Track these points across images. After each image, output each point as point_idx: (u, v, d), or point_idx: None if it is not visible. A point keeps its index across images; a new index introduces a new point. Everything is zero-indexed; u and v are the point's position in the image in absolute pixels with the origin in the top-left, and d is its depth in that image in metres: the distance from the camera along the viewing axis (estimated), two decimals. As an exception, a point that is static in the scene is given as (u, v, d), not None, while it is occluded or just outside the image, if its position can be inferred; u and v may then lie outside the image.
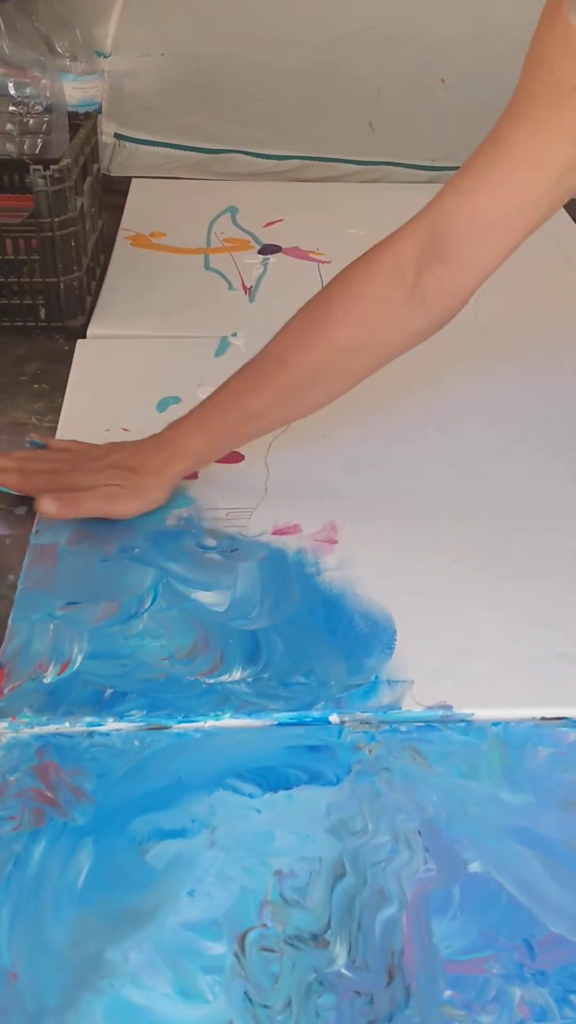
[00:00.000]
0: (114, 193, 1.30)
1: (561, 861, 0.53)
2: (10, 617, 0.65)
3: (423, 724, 0.60)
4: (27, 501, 0.76)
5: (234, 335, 1.01)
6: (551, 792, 0.56)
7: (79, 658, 0.62)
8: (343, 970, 0.47)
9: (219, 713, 0.59)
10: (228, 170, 1.39)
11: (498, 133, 0.67)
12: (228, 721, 0.59)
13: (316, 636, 0.66)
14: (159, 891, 0.50)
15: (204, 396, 0.89)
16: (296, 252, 1.19)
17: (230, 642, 0.65)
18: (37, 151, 1.14)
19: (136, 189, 1.35)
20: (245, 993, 0.46)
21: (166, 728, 0.59)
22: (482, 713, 0.61)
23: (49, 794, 0.54)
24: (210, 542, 0.74)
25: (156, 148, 1.37)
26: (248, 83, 1.33)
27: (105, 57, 1.28)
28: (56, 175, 0.92)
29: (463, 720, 0.60)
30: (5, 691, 0.60)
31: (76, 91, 1.22)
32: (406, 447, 0.86)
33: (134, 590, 0.68)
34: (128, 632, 0.65)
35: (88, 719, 0.58)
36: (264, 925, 0.49)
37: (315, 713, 0.60)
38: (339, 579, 0.70)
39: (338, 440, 0.86)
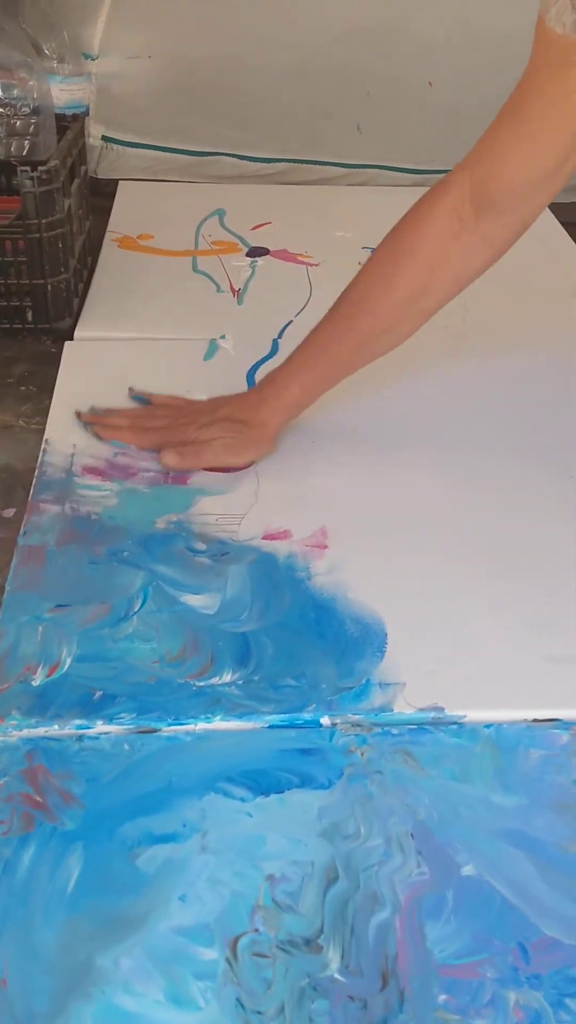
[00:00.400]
0: (101, 195, 1.30)
1: (554, 863, 0.53)
2: (-2, 619, 0.64)
3: (415, 726, 0.60)
4: (14, 502, 0.75)
5: (222, 337, 1.01)
6: (543, 794, 0.56)
7: (68, 660, 0.62)
8: (336, 975, 0.47)
9: (209, 715, 0.59)
10: (216, 173, 1.39)
11: (521, 101, 0.71)
12: (219, 724, 0.59)
13: (307, 639, 0.65)
14: (150, 896, 0.50)
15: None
16: (284, 255, 1.19)
17: (220, 644, 0.64)
18: (24, 153, 1.13)
19: (123, 191, 1.34)
20: (237, 999, 0.46)
21: (156, 731, 0.58)
22: (474, 715, 0.60)
23: (38, 798, 0.54)
24: (200, 546, 0.73)
25: (143, 150, 1.36)
26: (236, 86, 1.33)
27: (92, 59, 1.28)
28: (44, 176, 0.92)
29: (455, 722, 0.60)
30: (-7, 694, 0.59)
31: (63, 93, 1.21)
32: (396, 451, 0.85)
33: (124, 592, 0.68)
34: (118, 635, 0.64)
35: (77, 722, 0.58)
36: (256, 930, 0.48)
37: (306, 715, 0.60)
38: (330, 583, 0.70)
39: (328, 445, 0.85)
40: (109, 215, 1.27)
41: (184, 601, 0.68)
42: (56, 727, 0.57)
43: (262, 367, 0.96)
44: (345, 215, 1.29)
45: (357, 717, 0.60)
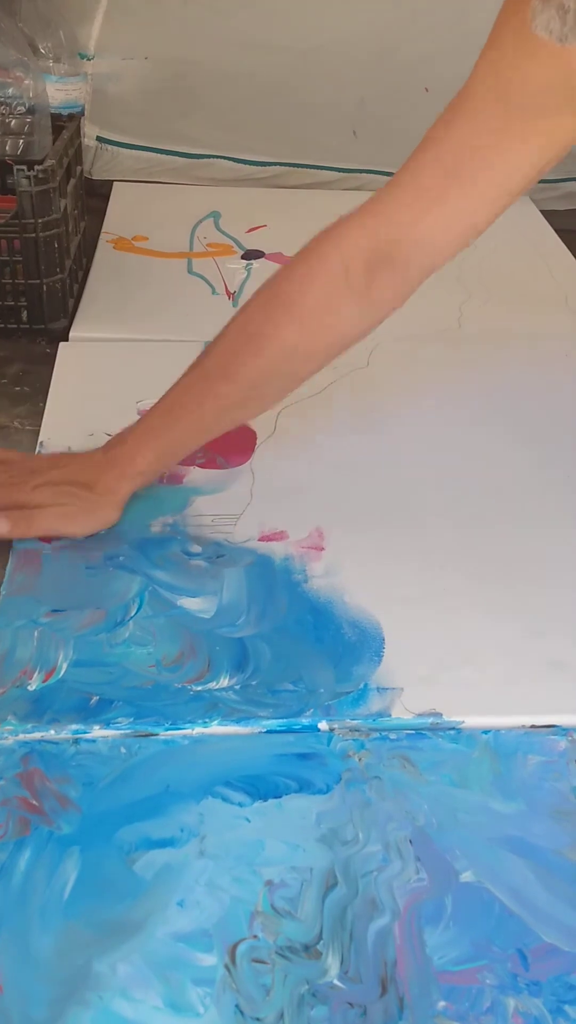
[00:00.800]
0: (95, 196, 1.29)
1: (553, 870, 0.53)
2: (-7, 622, 0.64)
3: (413, 732, 0.59)
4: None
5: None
6: (542, 800, 0.56)
7: (64, 665, 0.61)
8: (336, 981, 0.47)
9: (207, 720, 0.59)
10: (210, 175, 1.39)
11: (443, 148, 0.65)
12: (216, 728, 0.58)
13: (304, 644, 0.65)
14: (148, 901, 0.49)
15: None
16: (279, 258, 1.19)
17: (217, 649, 0.64)
18: (19, 152, 1.13)
19: (118, 193, 1.34)
20: (236, 1006, 0.45)
21: (153, 735, 0.58)
22: (472, 721, 0.60)
23: (34, 802, 0.53)
24: (196, 548, 0.73)
25: (138, 152, 1.36)
26: (232, 88, 1.32)
27: (88, 59, 1.27)
28: (40, 175, 0.91)
29: (453, 728, 0.60)
30: (-11, 698, 0.58)
31: (59, 93, 1.21)
32: (391, 454, 0.85)
33: (120, 598, 0.67)
34: (114, 640, 0.64)
35: (74, 726, 0.57)
36: (255, 936, 0.48)
37: (304, 720, 0.59)
38: (326, 586, 0.70)
39: (323, 446, 0.85)
40: (103, 216, 1.27)
41: (181, 605, 0.67)
42: (52, 732, 0.57)
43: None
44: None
45: (355, 722, 0.59)
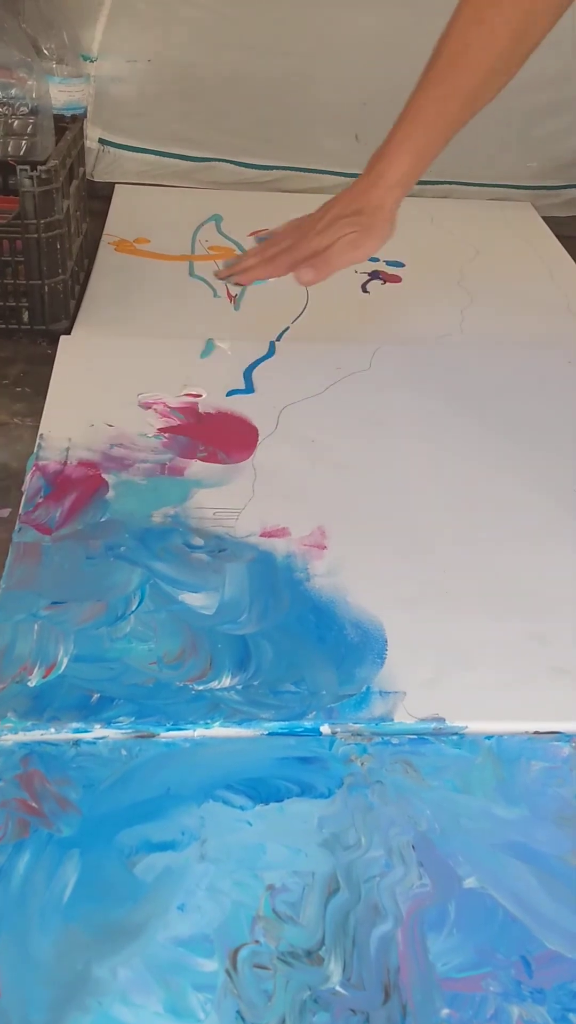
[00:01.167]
0: (97, 199, 1.29)
1: (557, 877, 0.52)
2: (-7, 619, 0.63)
3: (415, 736, 0.59)
4: (9, 502, 0.74)
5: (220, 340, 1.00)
6: (545, 806, 0.56)
7: (65, 661, 0.61)
8: (338, 988, 0.46)
9: (209, 721, 0.58)
10: (212, 179, 1.38)
11: None
12: (218, 730, 0.58)
13: (306, 643, 0.64)
14: (148, 905, 0.49)
15: (190, 395, 0.89)
16: (281, 261, 1.18)
17: (219, 647, 0.63)
18: (22, 153, 1.13)
19: (119, 195, 1.34)
20: (238, 1012, 0.45)
21: (154, 736, 0.57)
22: (475, 726, 0.60)
23: (34, 804, 0.53)
24: (197, 541, 0.72)
25: (140, 154, 1.35)
26: (234, 92, 1.32)
27: (91, 61, 1.27)
28: (43, 176, 0.91)
29: (456, 733, 0.59)
30: (-12, 696, 0.58)
31: (61, 94, 1.21)
32: (393, 456, 0.85)
33: (121, 590, 0.67)
34: (115, 634, 0.63)
35: (74, 725, 0.57)
36: (257, 941, 0.48)
37: (307, 723, 0.59)
38: (329, 586, 0.69)
39: (325, 446, 0.85)
40: (105, 218, 1.26)
41: (182, 600, 0.67)
42: (53, 730, 0.56)
43: (259, 366, 0.96)
44: (342, 223, 1.28)
45: (358, 726, 0.59)
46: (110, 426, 0.83)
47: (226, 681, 0.61)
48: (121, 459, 0.80)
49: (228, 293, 1.11)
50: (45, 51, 1.20)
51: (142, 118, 1.33)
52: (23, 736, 0.56)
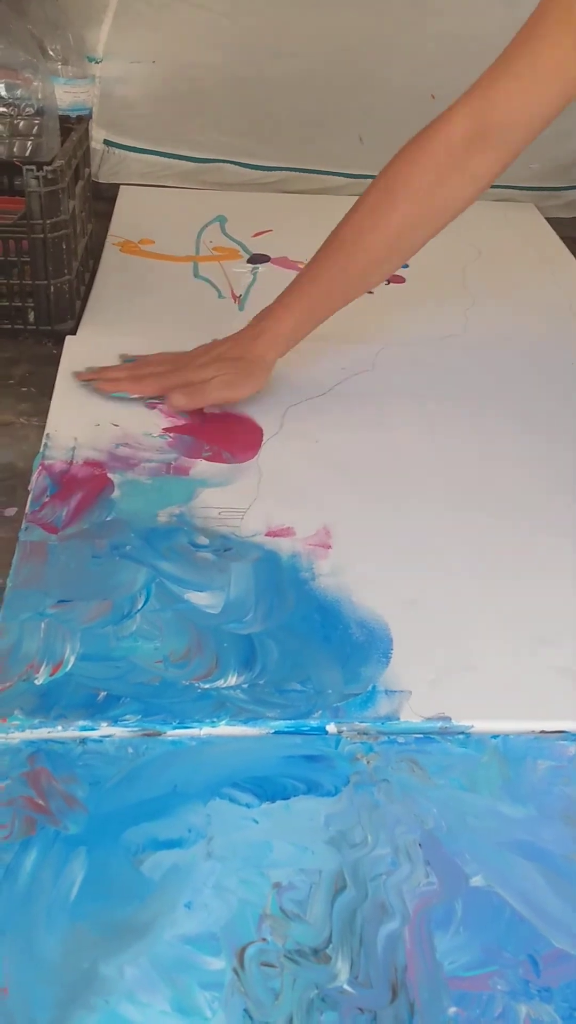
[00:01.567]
0: (101, 200, 1.29)
1: (563, 876, 0.52)
2: (0, 616, 0.63)
3: (421, 736, 0.59)
4: (15, 501, 0.75)
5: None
6: (552, 805, 0.56)
7: (71, 659, 0.61)
8: (345, 986, 0.46)
9: (215, 720, 0.58)
10: (216, 180, 1.39)
11: (531, 34, 0.77)
12: (224, 729, 0.58)
13: (311, 643, 0.64)
14: (155, 903, 0.48)
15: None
16: (285, 262, 1.19)
17: (225, 646, 0.63)
18: (27, 153, 1.13)
19: (124, 196, 1.34)
20: (245, 1010, 0.45)
21: (160, 735, 0.57)
22: (481, 725, 0.60)
23: (40, 802, 0.52)
24: (203, 540, 0.72)
25: (145, 156, 1.36)
26: (239, 93, 1.32)
27: (97, 62, 1.27)
28: (49, 176, 0.91)
29: (461, 732, 0.59)
30: (-5, 694, 0.58)
31: (67, 95, 1.21)
32: (397, 456, 0.85)
33: (126, 589, 0.67)
34: (121, 633, 0.63)
35: (81, 723, 0.57)
36: (264, 939, 0.47)
37: (312, 722, 0.59)
38: (333, 585, 0.69)
39: (329, 446, 0.85)
40: (109, 219, 1.27)
41: (188, 599, 0.67)
42: (60, 728, 0.56)
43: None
44: (346, 225, 1.29)
45: (364, 725, 0.59)
46: (115, 426, 0.83)
47: (232, 680, 0.61)
48: (127, 459, 0.80)
49: (232, 294, 1.11)
50: (51, 52, 1.20)
51: (146, 119, 1.33)
52: (30, 734, 0.56)
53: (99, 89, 1.30)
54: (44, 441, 0.81)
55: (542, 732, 0.60)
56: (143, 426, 0.84)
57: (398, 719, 0.59)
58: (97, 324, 1.02)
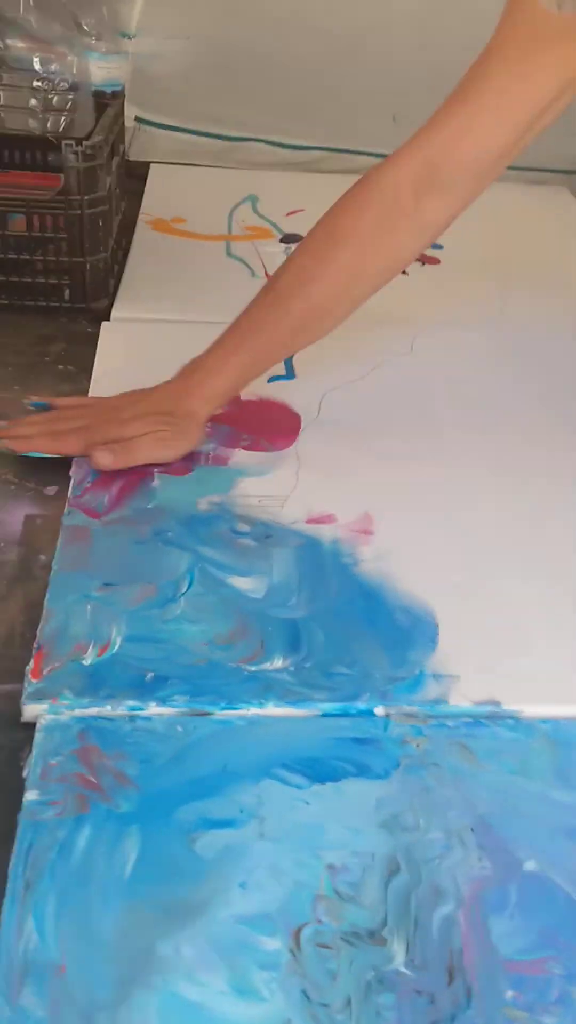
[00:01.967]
0: (132, 178, 1.28)
1: (616, 862, 0.52)
2: (46, 597, 0.63)
3: (470, 720, 0.59)
4: (56, 480, 0.74)
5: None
6: (603, 791, 0.55)
7: (118, 641, 0.60)
8: (402, 968, 0.46)
9: (263, 701, 0.58)
10: (247, 159, 1.38)
11: (482, 76, 0.72)
12: (272, 710, 0.58)
13: (357, 627, 0.64)
14: (210, 883, 0.48)
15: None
16: (319, 243, 1.17)
17: (269, 629, 0.63)
18: (60, 129, 1.12)
19: (155, 174, 1.33)
20: (303, 991, 0.44)
21: (209, 714, 0.57)
22: (531, 710, 0.59)
23: (92, 779, 0.52)
24: (243, 527, 0.72)
25: (176, 133, 1.35)
26: (272, 71, 1.31)
27: (130, 38, 1.26)
28: (88, 152, 0.90)
29: (511, 717, 0.59)
30: (44, 672, 0.58)
31: (100, 71, 1.20)
32: (436, 439, 0.84)
33: (170, 574, 0.66)
34: (166, 616, 0.63)
35: (130, 703, 0.56)
36: (319, 920, 0.47)
37: (361, 704, 0.58)
38: (377, 570, 0.69)
39: (368, 431, 0.84)
40: (140, 197, 1.26)
41: (231, 583, 0.66)
42: (109, 708, 0.56)
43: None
44: (379, 205, 1.27)
45: (412, 708, 0.59)
46: None
47: (278, 663, 0.61)
48: None
49: (266, 273, 1.10)
50: (84, 26, 1.19)
51: (178, 96, 1.32)
52: (80, 712, 0.56)
53: (131, 65, 1.29)
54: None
55: (592, 718, 0.59)
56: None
57: (447, 703, 0.59)
58: (131, 302, 1.01)
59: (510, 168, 1.46)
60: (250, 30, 1.28)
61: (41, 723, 0.55)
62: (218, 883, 0.48)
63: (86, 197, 0.91)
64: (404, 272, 1.11)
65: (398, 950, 0.47)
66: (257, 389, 0.88)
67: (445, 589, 0.67)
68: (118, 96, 1.10)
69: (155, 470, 0.76)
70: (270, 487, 0.77)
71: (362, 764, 0.55)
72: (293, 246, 1.17)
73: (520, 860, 0.51)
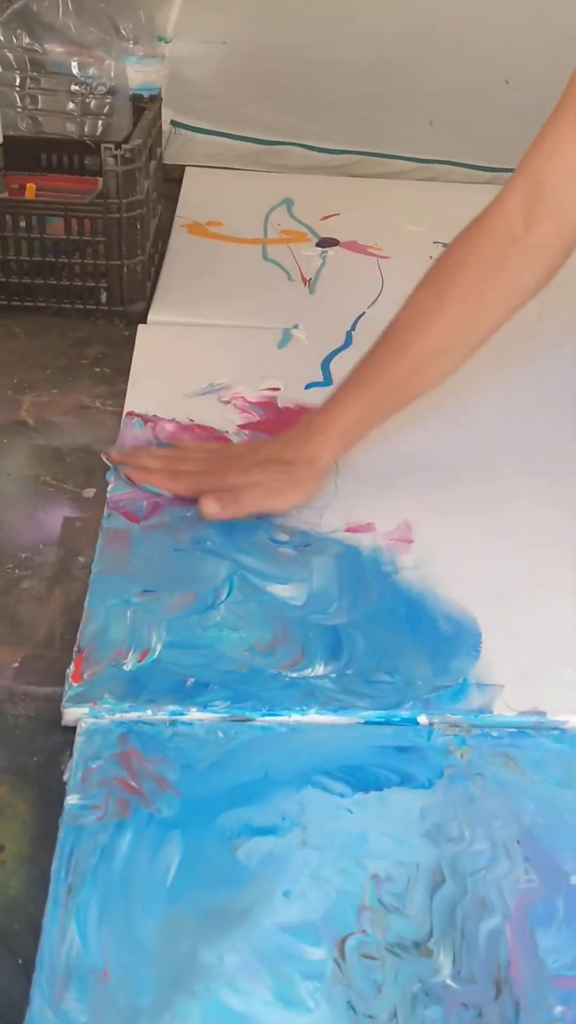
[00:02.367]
0: (168, 181, 1.29)
1: None
2: (87, 599, 0.63)
3: (515, 730, 0.58)
4: (94, 482, 0.74)
5: (295, 327, 0.99)
6: None
7: (158, 647, 0.60)
8: (449, 981, 0.45)
9: (304, 708, 0.57)
10: (282, 162, 1.38)
11: (573, 93, 0.70)
12: (313, 717, 0.57)
13: (398, 635, 0.63)
14: (252, 890, 0.48)
15: (267, 390, 0.88)
16: (355, 246, 1.17)
17: (310, 636, 0.62)
18: (98, 133, 1.12)
19: (190, 178, 1.33)
20: (348, 1002, 0.44)
21: (250, 720, 0.56)
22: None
23: (133, 783, 0.52)
24: (282, 536, 0.72)
25: (211, 137, 1.35)
26: (308, 75, 1.31)
27: (166, 42, 1.26)
28: (127, 155, 0.90)
29: (556, 728, 0.58)
30: (85, 676, 0.57)
31: (137, 74, 1.20)
32: (475, 447, 0.84)
33: (209, 581, 0.66)
34: (206, 622, 0.63)
35: (171, 708, 0.56)
36: (364, 931, 0.47)
37: (403, 713, 0.58)
38: (417, 578, 0.68)
39: (406, 440, 0.83)
40: (176, 201, 1.26)
41: (270, 591, 0.66)
42: (149, 712, 0.56)
43: (336, 357, 0.95)
44: (414, 209, 1.27)
45: (456, 717, 0.58)
46: (191, 421, 0.83)
47: (319, 669, 0.60)
48: None
49: (303, 277, 1.10)
50: (122, 31, 1.19)
51: (214, 100, 1.33)
52: (121, 716, 0.55)
53: (167, 69, 1.29)
54: (123, 423, 0.80)
55: None
56: (219, 423, 0.83)
57: (491, 713, 0.58)
58: (168, 306, 1.01)
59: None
60: (285, 35, 1.28)
61: (82, 727, 0.55)
62: (261, 890, 0.48)
63: (124, 200, 0.92)
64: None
65: (444, 962, 0.46)
66: (295, 396, 0.88)
67: (487, 597, 0.67)
68: (155, 100, 1.11)
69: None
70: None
71: (405, 773, 0.55)
72: (330, 250, 1.18)
73: (567, 873, 0.50)
